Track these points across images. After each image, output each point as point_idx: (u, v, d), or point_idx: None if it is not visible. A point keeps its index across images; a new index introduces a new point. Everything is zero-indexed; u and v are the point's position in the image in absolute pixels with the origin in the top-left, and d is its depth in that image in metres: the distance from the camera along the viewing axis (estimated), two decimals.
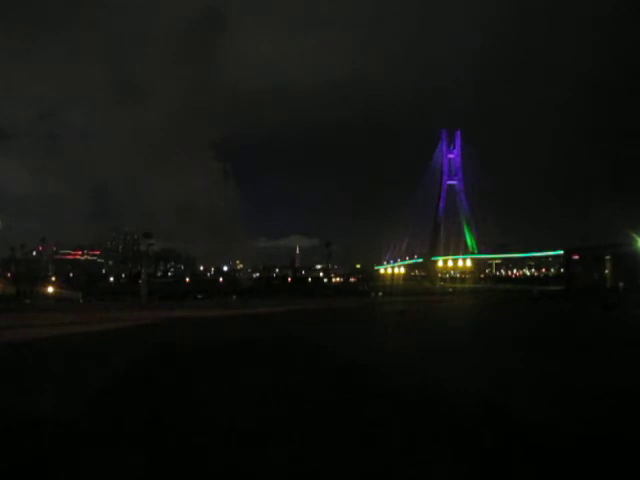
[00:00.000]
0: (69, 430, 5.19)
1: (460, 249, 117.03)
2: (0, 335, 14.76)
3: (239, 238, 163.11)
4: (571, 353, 10.87)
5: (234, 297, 57.91)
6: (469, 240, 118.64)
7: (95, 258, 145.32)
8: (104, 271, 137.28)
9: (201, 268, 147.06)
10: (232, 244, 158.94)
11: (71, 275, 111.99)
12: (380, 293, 69.36)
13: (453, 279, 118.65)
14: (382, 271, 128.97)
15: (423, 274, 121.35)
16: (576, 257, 74.23)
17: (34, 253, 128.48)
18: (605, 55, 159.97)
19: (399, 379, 8.00)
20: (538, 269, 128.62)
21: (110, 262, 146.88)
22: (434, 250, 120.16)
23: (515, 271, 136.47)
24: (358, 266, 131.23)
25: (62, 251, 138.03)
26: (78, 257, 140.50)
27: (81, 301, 55.16)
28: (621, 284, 56.04)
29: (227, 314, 25.85)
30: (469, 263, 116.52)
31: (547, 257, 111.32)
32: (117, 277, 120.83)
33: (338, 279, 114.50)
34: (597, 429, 5.14)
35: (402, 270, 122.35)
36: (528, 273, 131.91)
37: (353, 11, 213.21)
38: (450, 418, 5.63)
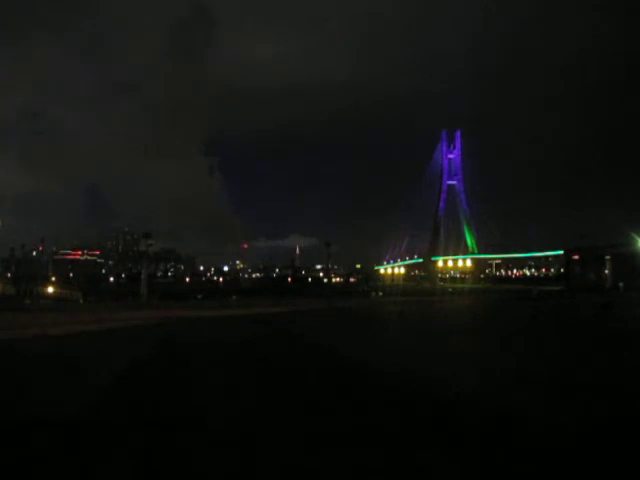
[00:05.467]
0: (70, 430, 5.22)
1: (460, 249, 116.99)
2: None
3: (239, 238, 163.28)
4: (566, 353, 10.86)
5: (234, 297, 57.86)
6: (469, 240, 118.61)
7: (95, 258, 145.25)
8: (104, 271, 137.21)
9: (201, 268, 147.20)
10: (232, 244, 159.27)
11: (71, 275, 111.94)
12: (380, 293, 69.29)
13: (453, 279, 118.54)
14: (382, 271, 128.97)
15: (423, 274, 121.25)
16: (576, 257, 74.23)
17: (34, 253, 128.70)
18: (604, 55, 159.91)
19: (404, 378, 7.99)
20: (538, 269, 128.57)
21: (110, 262, 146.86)
22: (434, 250, 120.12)
23: (515, 271, 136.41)
24: (358, 266, 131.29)
25: (62, 251, 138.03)
26: (78, 257, 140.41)
27: (81, 301, 55.10)
28: (621, 284, 56.07)
29: (227, 314, 25.85)
30: (469, 263, 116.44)
31: (547, 257, 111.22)
32: (117, 277, 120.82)
33: (338, 279, 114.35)
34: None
35: (402, 270, 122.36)
36: (528, 273, 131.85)
37: (353, 11, 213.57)
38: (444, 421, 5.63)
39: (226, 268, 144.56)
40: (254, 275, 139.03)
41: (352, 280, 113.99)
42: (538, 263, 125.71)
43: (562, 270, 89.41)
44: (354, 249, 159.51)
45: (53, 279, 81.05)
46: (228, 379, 8.12)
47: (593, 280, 67.02)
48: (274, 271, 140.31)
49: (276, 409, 6.07)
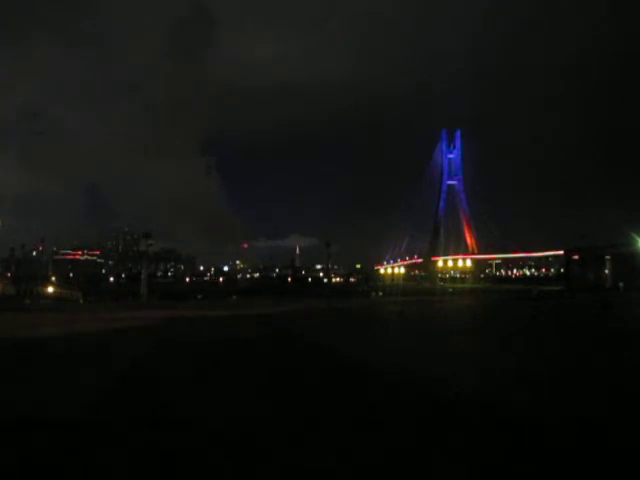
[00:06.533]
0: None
1: (460, 249, 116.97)
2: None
3: (239, 238, 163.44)
4: (566, 354, 10.86)
5: (234, 297, 57.94)
6: (469, 240, 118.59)
7: (95, 258, 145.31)
8: (104, 271, 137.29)
9: (201, 268, 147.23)
10: (232, 244, 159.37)
11: (71, 275, 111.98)
12: (380, 293, 69.34)
13: (453, 279, 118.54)
14: (382, 271, 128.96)
15: (423, 274, 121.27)
16: (576, 257, 74.24)
17: (34, 253, 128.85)
18: (604, 55, 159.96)
19: (404, 378, 7.99)
20: (538, 269, 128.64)
21: (110, 262, 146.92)
22: (434, 250, 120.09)
23: (515, 271, 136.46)
24: (358, 266, 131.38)
25: (62, 251, 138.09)
26: (78, 257, 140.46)
27: (81, 301, 55.16)
28: (621, 284, 56.09)
29: (227, 314, 25.84)
30: (469, 263, 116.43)
31: (547, 257, 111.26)
32: (117, 277, 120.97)
33: (338, 279, 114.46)
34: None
35: (402, 270, 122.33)
36: (528, 273, 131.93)
37: (353, 11, 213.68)
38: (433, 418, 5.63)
39: (226, 268, 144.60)
40: (248, 275, 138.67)
41: (352, 280, 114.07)
42: (538, 263, 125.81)
43: (562, 270, 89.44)
44: (354, 249, 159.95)
45: (53, 279, 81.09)
46: (228, 379, 8.12)
47: (593, 280, 67.05)
48: (274, 271, 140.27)
49: (276, 409, 6.07)
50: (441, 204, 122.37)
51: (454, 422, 5.42)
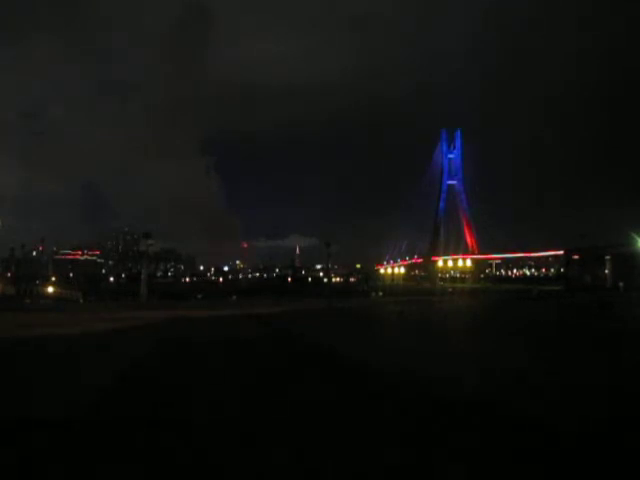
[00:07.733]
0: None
1: (460, 249, 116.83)
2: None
3: (239, 238, 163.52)
4: (566, 353, 10.85)
5: (234, 297, 57.94)
6: (469, 240, 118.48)
7: (95, 258, 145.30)
8: (104, 271, 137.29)
9: (201, 268, 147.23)
10: (232, 244, 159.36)
11: (71, 275, 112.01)
12: (380, 293, 69.31)
13: (453, 279, 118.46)
14: (382, 271, 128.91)
15: (423, 274, 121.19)
16: (576, 257, 74.21)
17: (34, 253, 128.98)
18: (604, 55, 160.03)
19: (404, 378, 7.99)
20: (538, 269, 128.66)
21: (110, 262, 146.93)
22: (434, 250, 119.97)
23: (515, 271, 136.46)
24: (358, 266, 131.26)
25: (62, 251, 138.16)
26: (78, 257, 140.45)
27: (81, 301, 55.12)
28: (621, 284, 56.09)
29: (227, 314, 25.84)
30: (469, 263, 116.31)
31: (547, 257, 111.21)
32: (117, 277, 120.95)
33: (338, 279, 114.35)
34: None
35: (402, 270, 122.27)
36: (528, 273, 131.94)
37: (353, 11, 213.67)
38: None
39: (226, 268, 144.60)
40: (243, 275, 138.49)
41: (352, 280, 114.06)
42: (538, 263, 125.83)
43: (562, 270, 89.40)
44: (354, 249, 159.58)
45: (53, 279, 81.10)
46: (229, 379, 8.12)
47: (593, 280, 67.05)
48: (274, 271, 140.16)
49: (276, 409, 6.07)
50: (441, 204, 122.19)
51: (454, 421, 5.43)
